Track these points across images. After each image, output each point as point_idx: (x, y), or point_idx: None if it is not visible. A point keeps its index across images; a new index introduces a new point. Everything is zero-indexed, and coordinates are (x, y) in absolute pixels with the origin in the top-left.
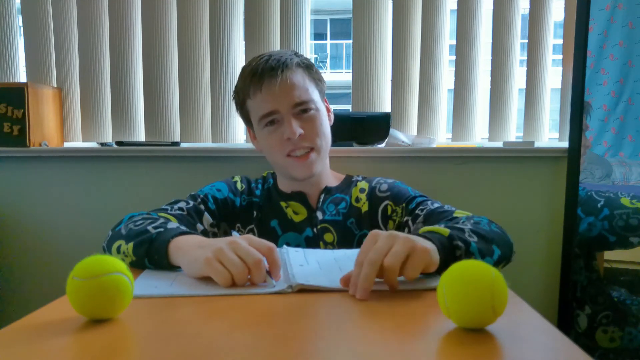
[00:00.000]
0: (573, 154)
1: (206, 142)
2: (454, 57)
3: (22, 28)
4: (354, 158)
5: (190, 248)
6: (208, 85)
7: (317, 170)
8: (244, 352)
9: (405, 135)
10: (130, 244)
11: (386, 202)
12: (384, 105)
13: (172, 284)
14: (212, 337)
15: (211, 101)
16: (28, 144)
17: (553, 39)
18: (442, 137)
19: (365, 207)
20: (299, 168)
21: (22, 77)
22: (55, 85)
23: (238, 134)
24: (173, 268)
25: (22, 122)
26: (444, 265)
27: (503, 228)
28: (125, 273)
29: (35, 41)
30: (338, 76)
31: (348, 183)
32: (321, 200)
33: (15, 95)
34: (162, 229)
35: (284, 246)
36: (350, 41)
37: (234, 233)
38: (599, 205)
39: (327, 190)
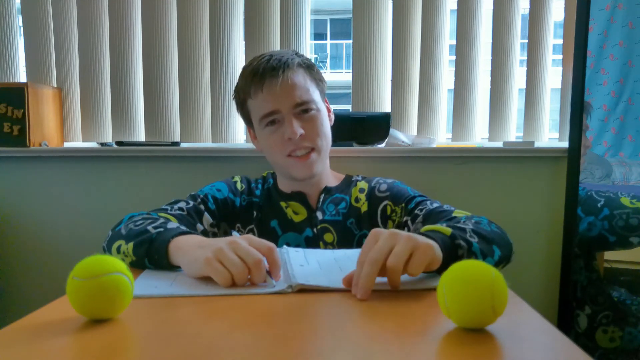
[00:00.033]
0: (573, 154)
1: (206, 142)
2: (454, 57)
3: (22, 28)
4: (354, 158)
5: (190, 248)
6: (208, 85)
7: (317, 171)
8: (244, 352)
9: (405, 135)
10: (130, 244)
11: (385, 202)
12: (384, 105)
13: (172, 284)
14: (212, 337)
15: (211, 101)
16: (28, 144)
17: (553, 39)
18: (442, 137)
19: (364, 207)
20: (299, 168)
21: (22, 77)
22: (55, 85)
23: (238, 134)
24: (173, 268)
25: (22, 122)
26: (445, 265)
27: (502, 228)
28: (125, 273)
29: (35, 41)
30: (338, 76)
31: (348, 183)
32: (321, 200)
33: (15, 95)
34: (162, 229)
35: (284, 246)
36: (350, 41)
37: (234, 233)
38: (599, 205)
39: (327, 191)
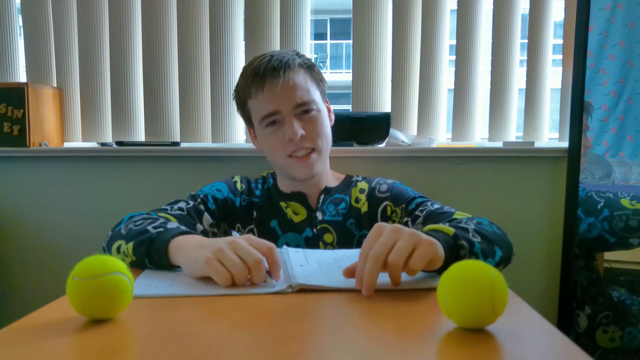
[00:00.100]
0: (573, 154)
1: (206, 142)
2: (454, 57)
3: (22, 28)
4: (354, 158)
5: (190, 248)
6: (208, 85)
7: (317, 171)
8: (244, 352)
9: (405, 135)
10: (130, 244)
11: (386, 202)
12: (384, 105)
13: (172, 284)
14: (212, 337)
15: (211, 101)
16: (28, 144)
17: (553, 39)
18: (442, 137)
19: (364, 208)
20: (299, 168)
21: (22, 77)
22: (55, 85)
23: (238, 134)
24: (173, 268)
25: (22, 122)
26: (447, 265)
27: (503, 229)
28: (125, 273)
29: (35, 41)
30: (338, 76)
31: (348, 183)
32: (321, 200)
33: (15, 95)
34: (162, 229)
35: (284, 246)
36: (350, 41)
37: (234, 233)
38: (599, 206)
39: (327, 191)
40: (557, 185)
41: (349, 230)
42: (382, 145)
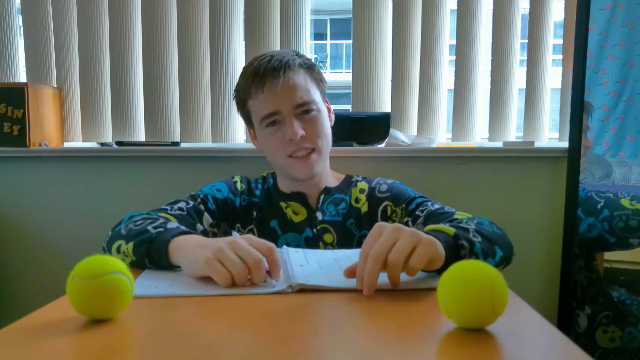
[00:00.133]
0: (573, 154)
1: (206, 142)
2: (454, 57)
3: (22, 28)
4: (354, 158)
5: (190, 248)
6: (208, 85)
7: (317, 171)
8: (244, 352)
9: (405, 135)
10: (130, 244)
11: (386, 202)
12: (384, 105)
13: (172, 284)
14: (212, 337)
15: (211, 101)
16: (28, 144)
17: (553, 39)
18: (442, 137)
19: (364, 208)
20: (299, 169)
21: (22, 77)
22: (55, 85)
23: (238, 134)
24: (173, 268)
25: (22, 122)
26: (447, 265)
27: (503, 229)
28: (125, 273)
29: (35, 41)
30: (338, 76)
31: (348, 183)
32: (321, 200)
33: (15, 95)
34: (162, 229)
35: (284, 246)
36: (350, 41)
37: (234, 233)
38: (599, 206)
39: (327, 191)
40: (557, 185)
41: (349, 230)
42: (382, 145)
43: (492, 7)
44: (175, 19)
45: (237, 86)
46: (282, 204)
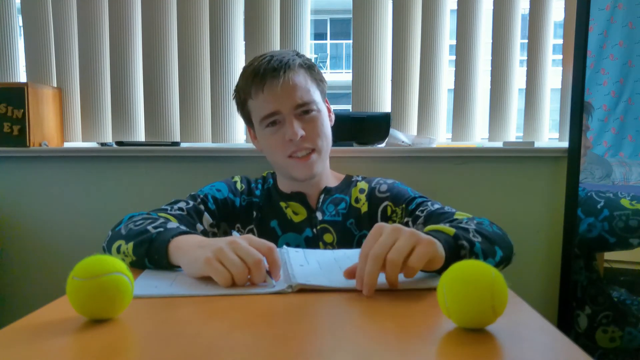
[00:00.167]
0: (573, 154)
1: (206, 142)
2: (454, 57)
3: (22, 28)
4: (354, 158)
5: (190, 248)
6: (208, 85)
7: (317, 171)
8: (244, 352)
9: (405, 135)
10: (130, 244)
11: (386, 202)
12: (384, 105)
13: (172, 284)
14: (212, 337)
15: (211, 101)
16: (28, 144)
17: (553, 39)
18: (442, 137)
19: (364, 208)
20: (300, 169)
21: (22, 77)
22: (55, 85)
23: (238, 134)
24: (173, 268)
25: (22, 122)
26: (447, 265)
27: (503, 229)
28: (125, 273)
29: (35, 41)
30: (338, 76)
31: (348, 183)
32: (321, 200)
33: (15, 95)
34: (162, 229)
35: (284, 246)
36: (350, 41)
37: (234, 233)
38: (598, 206)
39: (327, 191)
40: (557, 185)
41: (349, 230)
42: (382, 145)
43: (492, 7)
44: (175, 19)
45: (237, 86)
46: (282, 204)
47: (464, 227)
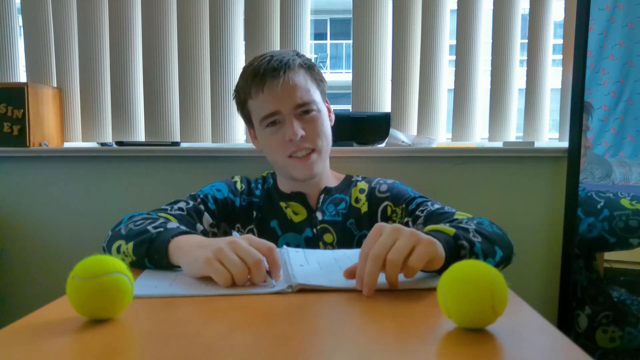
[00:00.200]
0: (573, 154)
1: (206, 142)
2: (454, 57)
3: (22, 28)
4: (354, 158)
5: (190, 248)
6: (208, 85)
7: (317, 171)
8: (244, 352)
9: (405, 135)
10: (130, 244)
11: (386, 202)
12: (384, 105)
13: (172, 284)
14: (212, 337)
15: (211, 101)
16: (28, 144)
17: (553, 39)
18: (442, 137)
19: (364, 208)
20: (299, 169)
21: (22, 77)
22: (55, 85)
23: (238, 134)
24: (173, 268)
25: (22, 122)
26: (447, 265)
27: (503, 229)
28: (125, 273)
29: (35, 41)
30: (338, 76)
31: (348, 183)
32: (321, 200)
33: (15, 95)
34: (162, 229)
35: (284, 246)
36: (350, 41)
37: (234, 233)
38: (598, 206)
39: (327, 191)
40: (557, 185)
41: (349, 230)
42: (382, 145)
43: (492, 7)
44: (175, 19)
45: (237, 86)
46: (282, 204)
47: (464, 227)
